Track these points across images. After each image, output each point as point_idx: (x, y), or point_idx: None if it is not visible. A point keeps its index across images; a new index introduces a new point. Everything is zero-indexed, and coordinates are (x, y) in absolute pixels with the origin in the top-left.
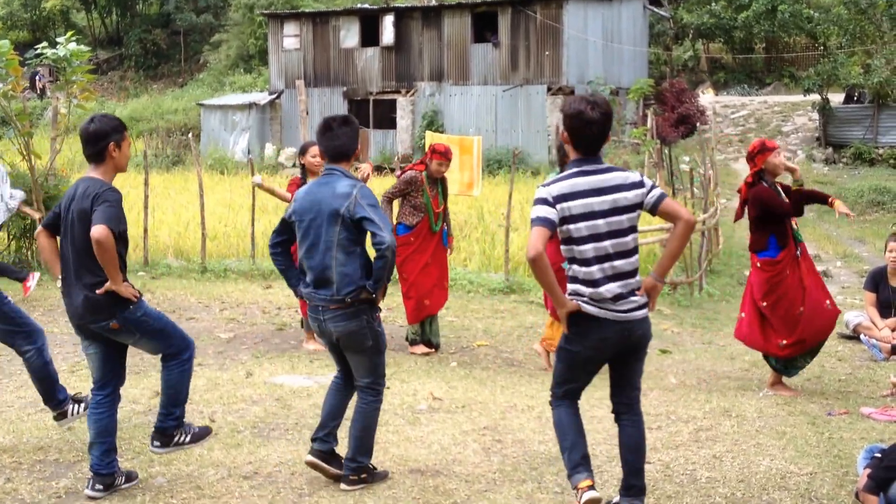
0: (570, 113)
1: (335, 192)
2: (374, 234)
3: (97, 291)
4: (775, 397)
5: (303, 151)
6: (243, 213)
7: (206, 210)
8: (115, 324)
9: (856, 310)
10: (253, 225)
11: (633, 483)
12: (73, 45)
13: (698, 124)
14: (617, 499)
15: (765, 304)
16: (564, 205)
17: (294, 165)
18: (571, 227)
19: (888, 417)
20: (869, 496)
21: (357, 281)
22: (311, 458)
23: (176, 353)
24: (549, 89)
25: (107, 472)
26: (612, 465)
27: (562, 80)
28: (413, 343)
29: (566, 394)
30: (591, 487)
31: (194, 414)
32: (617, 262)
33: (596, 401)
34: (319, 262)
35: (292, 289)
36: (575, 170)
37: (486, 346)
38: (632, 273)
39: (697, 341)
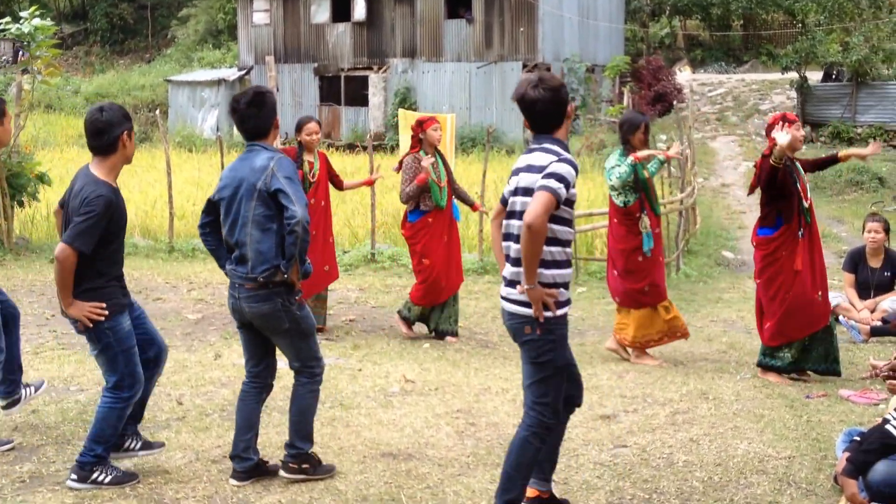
0: (517, 96)
1: (253, 166)
2: (285, 208)
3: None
4: (753, 380)
5: (298, 128)
6: (211, 192)
7: (173, 188)
8: (80, 325)
9: (834, 291)
10: None
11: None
12: (37, 21)
13: (675, 102)
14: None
15: (758, 281)
16: (510, 180)
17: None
18: (508, 202)
19: (867, 400)
20: (848, 480)
21: (271, 260)
22: (234, 481)
23: (116, 386)
24: (524, 66)
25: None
26: (587, 448)
27: (537, 57)
28: (405, 319)
29: None
30: (531, 500)
31: (162, 396)
32: (512, 245)
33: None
34: (238, 240)
35: (222, 269)
36: (531, 145)
37: (459, 327)
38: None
39: None
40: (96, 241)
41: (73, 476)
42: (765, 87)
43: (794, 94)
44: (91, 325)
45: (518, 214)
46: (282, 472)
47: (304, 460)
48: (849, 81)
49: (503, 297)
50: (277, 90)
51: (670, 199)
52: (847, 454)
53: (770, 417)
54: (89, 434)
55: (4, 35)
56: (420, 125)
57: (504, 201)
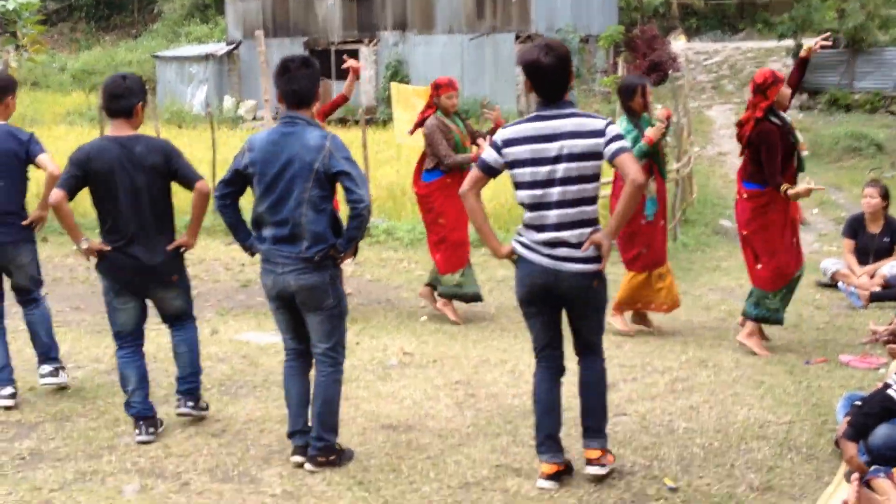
0: (525, 61)
1: (306, 143)
2: (350, 191)
3: (168, 248)
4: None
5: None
6: (203, 168)
7: None
8: (175, 277)
9: (833, 257)
10: (214, 179)
11: (587, 423)
12: None
13: (670, 71)
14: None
15: (745, 232)
16: (510, 149)
17: (255, 118)
18: (517, 171)
19: (867, 365)
20: (848, 443)
21: (327, 239)
22: (298, 458)
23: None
24: (517, 37)
25: (153, 414)
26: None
27: (530, 28)
28: (444, 295)
29: (540, 352)
30: (550, 477)
31: (159, 372)
32: (560, 211)
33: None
34: (288, 218)
35: (241, 243)
36: (534, 114)
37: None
38: (576, 224)
39: None
40: None
41: (190, 404)
42: (761, 55)
43: (790, 61)
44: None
45: (570, 181)
46: (308, 466)
47: (331, 452)
48: (845, 48)
49: (561, 259)
50: (267, 65)
51: (666, 168)
52: (848, 418)
53: (770, 384)
54: (191, 360)
55: None
56: (436, 89)
57: (487, 168)
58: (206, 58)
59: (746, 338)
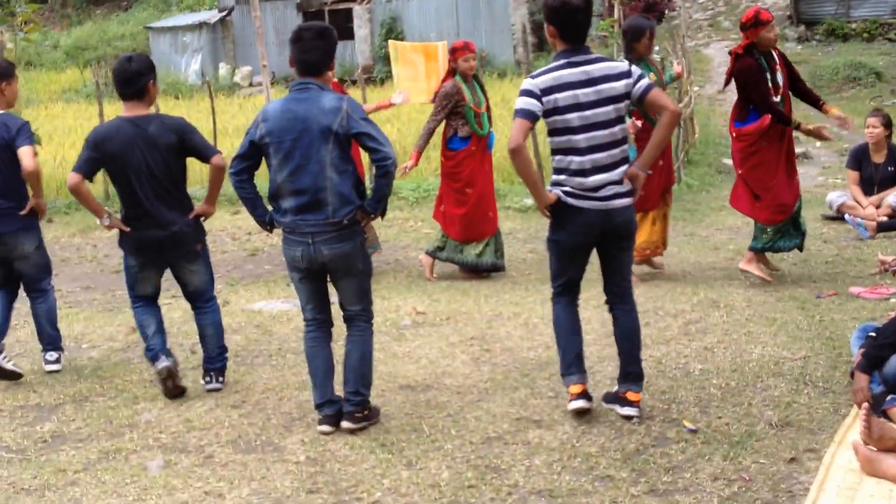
0: (556, 4)
1: (322, 107)
2: (375, 150)
3: (188, 217)
4: (763, 285)
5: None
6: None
7: None
8: (199, 245)
9: (838, 190)
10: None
11: (631, 370)
12: None
13: (666, 11)
14: (616, 388)
15: (740, 171)
16: (551, 97)
17: (251, 85)
18: (559, 118)
19: (878, 295)
20: (861, 375)
21: (354, 201)
22: (327, 427)
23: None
24: None
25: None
26: (602, 364)
27: None
28: (463, 265)
29: (563, 289)
30: (581, 395)
31: (174, 346)
32: (602, 154)
33: (583, 302)
34: (311, 185)
35: (259, 218)
36: (563, 61)
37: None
38: (617, 164)
39: (679, 234)
40: None
41: (220, 379)
42: None
43: None
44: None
45: (612, 123)
46: (346, 424)
47: (366, 407)
48: None
49: (614, 197)
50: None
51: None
52: (862, 349)
53: (783, 320)
54: (217, 343)
55: None
56: (453, 52)
57: (532, 117)
58: (199, 26)
59: (746, 264)
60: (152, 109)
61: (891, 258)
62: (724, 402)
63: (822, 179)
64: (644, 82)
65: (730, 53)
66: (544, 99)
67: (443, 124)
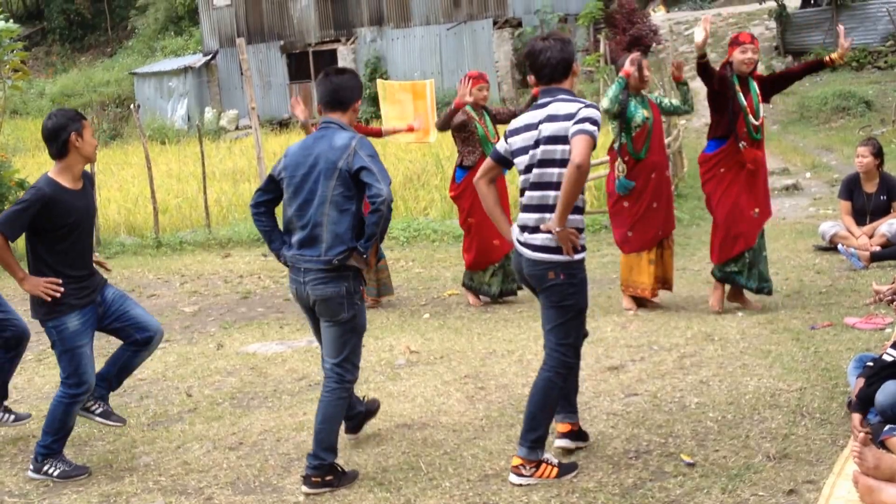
0: (527, 51)
1: (333, 144)
2: (370, 186)
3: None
4: (757, 317)
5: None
6: (192, 183)
7: (154, 182)
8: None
9: (830, 220)
10: (205, 193)
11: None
12: (0, 23)
13: (653, 45)
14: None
15: (704, 193)
16: (511, 139)
17: (237, 128)
18: (517, 159)
19: (873, 325)
20: (854, 415)
21: (347, 242)
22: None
23: (63, 382)
24: (494, 23)
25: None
26: (598, 399)
27: (507, 13)
28: (470, 289)
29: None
30: (565, 435)
31: (170, 390)
32: (535, 193)
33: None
34: (311, 220)
35: (275, 252)
36: (535, 103)
37: (456, 294)
38: (541, 208)
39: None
40: (22, 231)
41: (31, 466)
42: (742, 19)
43: (773, 24)
44: (49, 300)
45: (541, 164)
46: (303, 487)
47: (327, 472)
48: (828, 5)
49: (522, 245)
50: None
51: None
52: (862, 380)
53: (777, 352)
54: (43, 426)
55: None
56: (469, 80)
57: (498, 158)
58: (184, 70)
59: (711, 291)
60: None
61: (885, 288)
62: (721, 435)
63: (814, 210)
64: (577, 126)
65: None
66: (508, 140)
67: (456, 153)
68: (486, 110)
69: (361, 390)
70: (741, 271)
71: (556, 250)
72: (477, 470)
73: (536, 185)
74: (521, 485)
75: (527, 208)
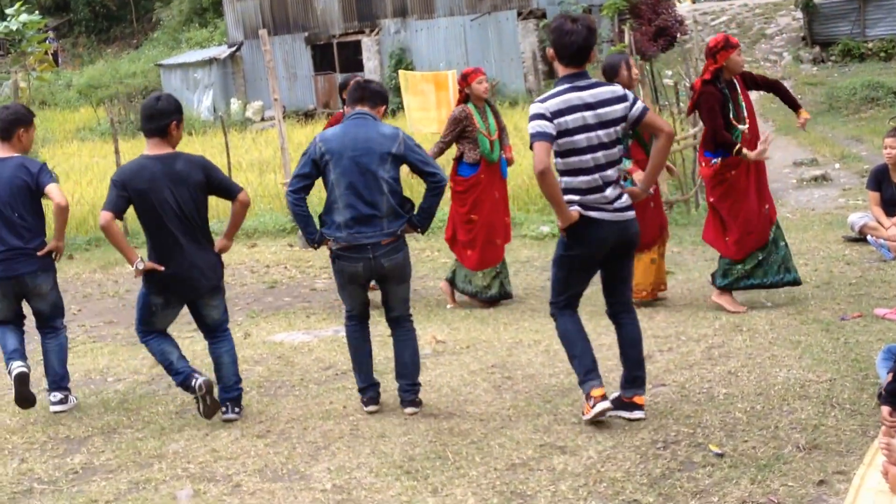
0: (553, 28)
1: (381, 132)
2: (432, 174)
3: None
4: (786, 307)
5: (344, 87)
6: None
7: None
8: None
9: (859, 211)
10: None
11: (636, 374)
12: (24, 17)
13: (678, 35)
14: (617, 393)
15: (712, 199)
16: (561, 119)
17: (263, 119)
18: (568, 139)
19: None
20: (883, 407)
21: (403, 215)
22: (374, 406)
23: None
24: (519, 14)
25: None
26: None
27: (532, 3)
28: (465, 293)
29: (567, 302)
30: (604, 397)
31: None
32: (609, 171)
33: (597, 317)
34: (368, 200)
35: (310, 237)
36: (567, 85)
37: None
38: (618, 180)
39: (699, 259)
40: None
41: (237, 410)
42: (769, 10)
43: (799, 14)
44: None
45: (609, 145)
46: (408, 409)
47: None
48: None
49: (622, 211)
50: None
51: (683, 134)
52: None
53: (807, 343)
54: (234, 372)
55: None
56: (465, 78)
57: (551, 139)
58: (210, 62)
59: (717, 297)
60: None
61: None
62: (750, 425)
63: (843, 201)
64: (640, 105)
65: (692, 88)
66: (555, 121)
67: (454, 148)
68: (489, 104)
69: (388, 380)
70: (751, 273)
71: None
72: (504, 459)
73: (611, 164)
74: (644, 418)
75: (607, 185)
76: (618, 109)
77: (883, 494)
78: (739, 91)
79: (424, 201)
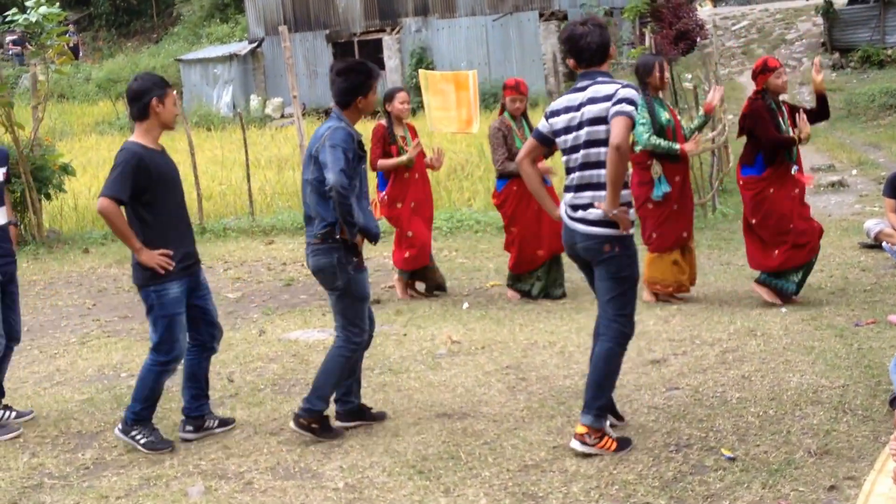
0: (565, 35)
1: (316, 134)
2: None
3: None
4: (800, 313)
5: (388, 98)
6: (236, 170)
7: (198, 169)
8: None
9: (876, 218)
10: (249, 181)
11: (586, 397)
12: (44, 9)
13: (698, 39)
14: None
15: (754, 221)
16: (553, 119)
17: (282, 116)
18: (559, 139)
19: None
20: None
21: (327, 218)
22: (340, 423)
23: (155, 349)
24: (541, 15)
25: (197, 415)
26: (639, 392)
27: (553, 4)
28: (513, 288)
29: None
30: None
31: (212, 376)
32: (585, 172)
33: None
34: (304, 202)
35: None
36: (574, 85)
37: (499, 285)
38: (593, 185)
39: (715, 263)
40: (130, 192)
41: (119, 427)
42: (789, 15)
43: (820, 20)
44: (163, 272)
45: (587, 144)
46: (290, 424)
47: (314, 419)
48: (876, 2)
49: (575, 220)
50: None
51: (702, 138)
52: None
53: (821, 349)
54: (133, 392)
55: (11, 27)
56: (503, 89)
57: (541, 137)
58: (230, 58)
59: (758, 286)
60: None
61: None
62: (763, 430)
63: (860, 207)
64: (616, 108)
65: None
66: (549, 121)
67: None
68: (525, 118)
69: (402, 379)
70: (801, 280)
71: (611, 224)
72: (517, 460)
73: (585, 165)
74: (583, 453)
75: (578, 188)
76: (597, 109)
77: (893, 501)
78: (786, 114)
79: None
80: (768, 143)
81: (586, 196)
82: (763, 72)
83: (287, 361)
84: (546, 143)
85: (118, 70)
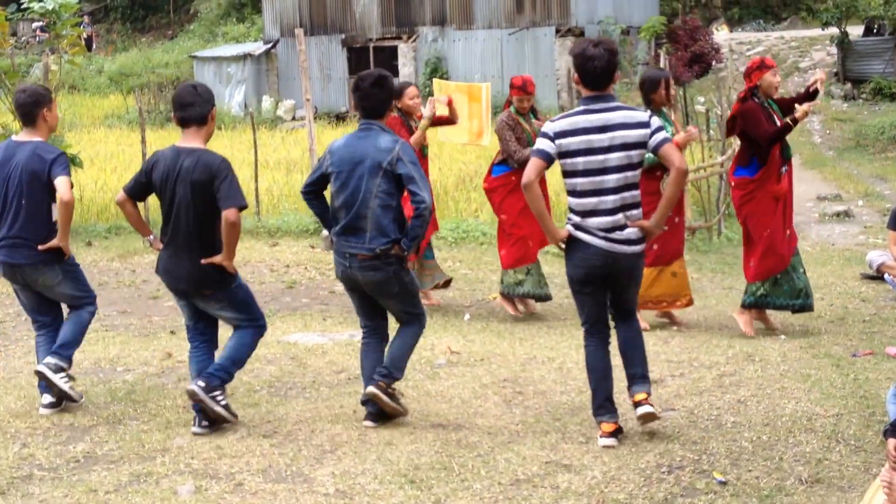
0: (575, 52)
1: (378, 145)
2: (414, 193)
3: (203, 262)
4: (798, 340)
5: (398, 94)
6: (245, 169)
7: None
8: (208, 292)
9: (879, 249)
10: (256, 181)
11: (633, 372)
12: None
13: (713, 63)
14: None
15: (740, 219)
16: (563, 140)
17: (294, 118)
18: (568, 161)
19: None
20: (890, 440)
21: (389, 234)
22: (369, 423)
23: (254, 319)
24: (557, 31)
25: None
26: (635, 411)
27: (570, 21)
28: (507, 297)
29: (590, 327)
30: (612, 434)
31: None
32: (615, 196)
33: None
34: (355, 211)
35: (328, 229)
36: (582, 108)
37: (496, 296)
38: (629, 207)
39: (717, 286)
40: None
41: (201, 383)
42: (804, 44)
43: (834, 50)
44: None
45: (619, 169)
46: (370, 388)
47: (392, 385)
48: (890, 35)
49: (617, 242)
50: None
51: (710, 161)
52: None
53: (817, 377)
54: (227, 356)
55: (25, 14)
56: (510, 87)
57: (548, 158)
58: (244, 57)
59: (738, 314)
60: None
61: None
62: (756, 455)
63: (863, 238)
64: (661, 135)
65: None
66: (557, 142)
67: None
68: (534, 113)
69: (399, 388)
70: (770, 293)
71: (643, 241)
72: (509, 474)
73: (620, 189)
74: (653, 413)
75: (613, 210)
76: (634, 135)
77: None
78: (779, 111)
79: (409, 224)
80: (764, 138)
81: (621, 217)
82: (759, 68)
83: (285, 364)
84: (550, 163)
85: (131, 64)
